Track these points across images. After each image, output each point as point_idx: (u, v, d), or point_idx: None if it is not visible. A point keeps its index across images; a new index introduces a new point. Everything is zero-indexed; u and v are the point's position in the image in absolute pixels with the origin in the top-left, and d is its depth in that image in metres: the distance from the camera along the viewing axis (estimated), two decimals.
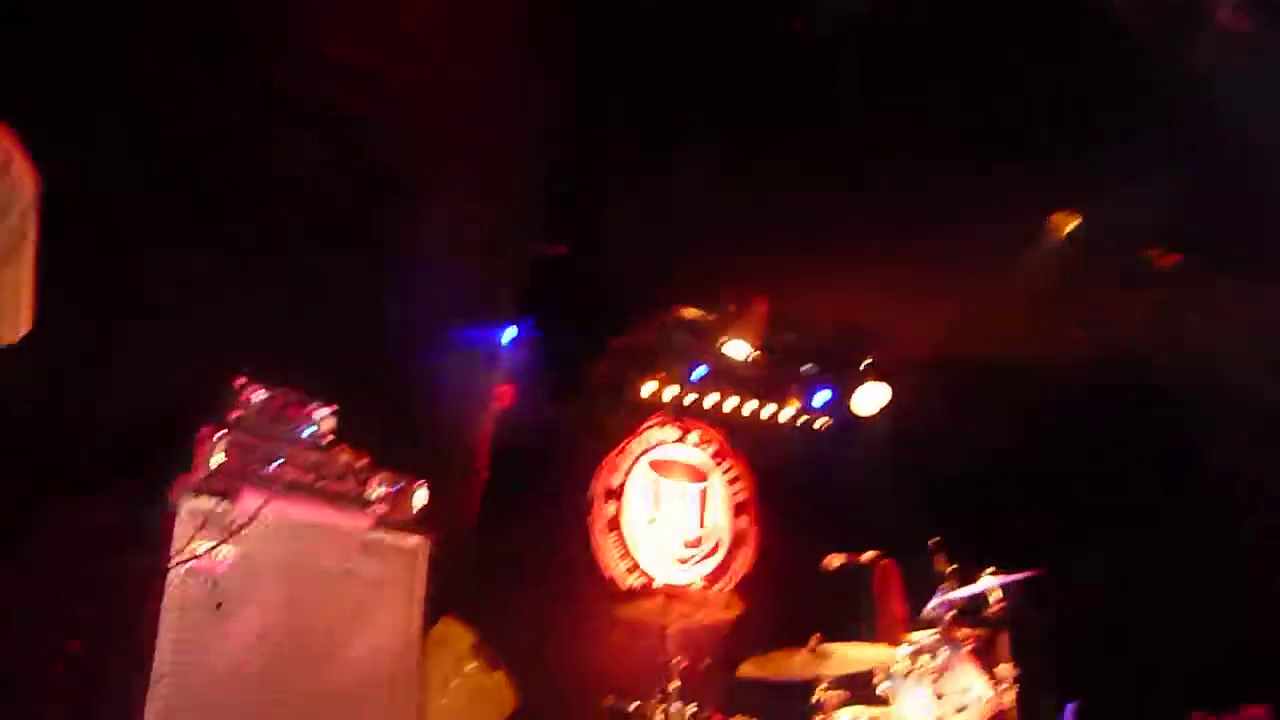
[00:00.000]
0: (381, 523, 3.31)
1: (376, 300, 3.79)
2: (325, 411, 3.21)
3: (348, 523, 3.20)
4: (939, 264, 5.31)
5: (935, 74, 3.78)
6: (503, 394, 5.46)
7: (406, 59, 3.29)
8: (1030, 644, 5.25)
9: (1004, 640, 4.69)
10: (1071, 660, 5.86)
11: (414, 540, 3.41)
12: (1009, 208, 4.58)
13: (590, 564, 6.16)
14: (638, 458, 6.61)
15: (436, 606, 4.33)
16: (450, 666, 4.70)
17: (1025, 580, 4.84)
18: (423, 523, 3.46)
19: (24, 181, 1.22)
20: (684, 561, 6.59)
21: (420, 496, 3.45)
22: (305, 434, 3.14)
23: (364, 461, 3.33)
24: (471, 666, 4.78)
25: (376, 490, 3.30)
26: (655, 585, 6.20)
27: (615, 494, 6.44)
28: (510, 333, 5.49)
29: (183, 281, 3.19)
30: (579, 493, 6.27)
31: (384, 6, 3.31)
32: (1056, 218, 1.97)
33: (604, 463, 6.44)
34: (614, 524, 6.35)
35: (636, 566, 6.34)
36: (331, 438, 3.25)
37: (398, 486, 3.35)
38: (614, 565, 6.25)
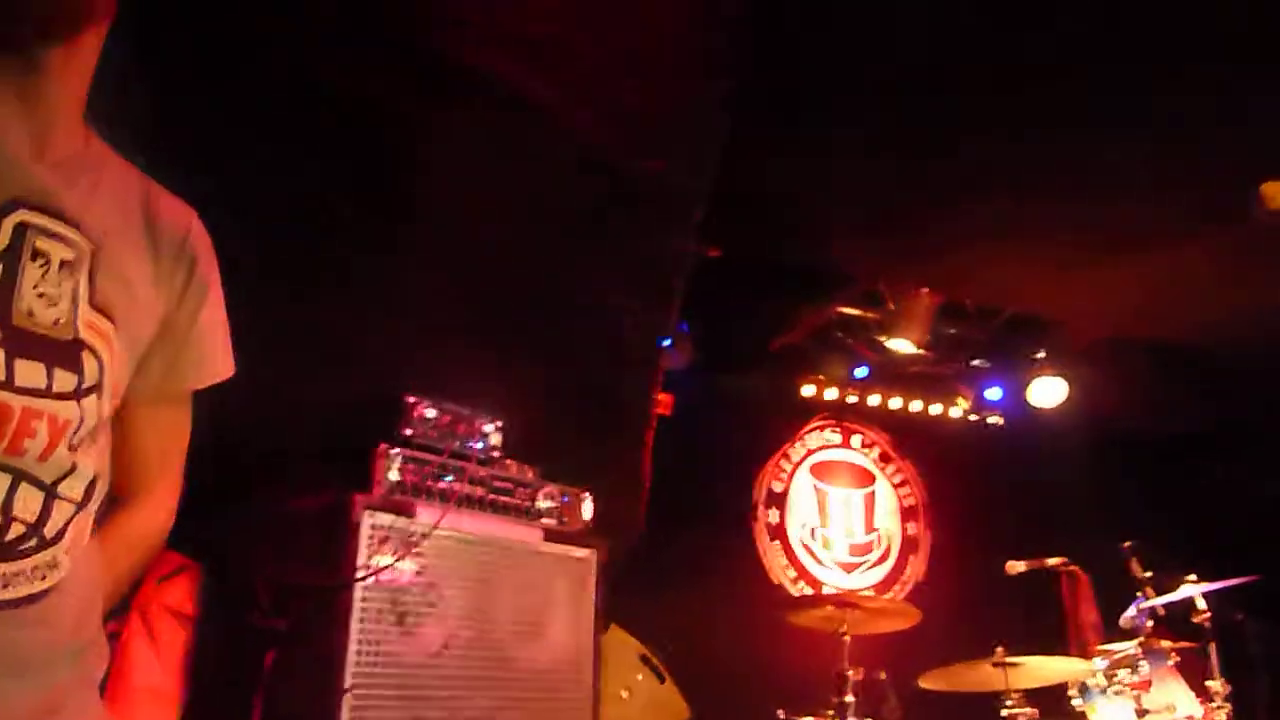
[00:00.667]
0: (552, 535, 3.34)
1: (545, 315, 3.84)
2: (493, 426, 3.27)
3: (519, 535, 3.25)
4: (1119, 241, 5.00)
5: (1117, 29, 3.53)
6: (663, 401, 5.48)
7: (569, 38, 3.27)
8: (1245, 658, 4.88)
9: (1214, 653, 4.35)
10: None
11: (584, 551, 3.43)
12: (1199, 178, 4.27)
13: (755, 572, 6.11)
14: (800, 462, 6.52)
15: (605, 616, 4.39)
16: (619, 676, 4.75)
17: (1238, 587, 4.49)
18: (592, 533, 3.47)
19: (202, 236, 1.34)
20: (852, 569, 6.45)
21: (588, 507, 3.47)
22: (475, 448, 3.20)
23: (532, 474, 3.37)
24: (641, 676, 4.82)
25: (545, 502, 3.34)
26: (823, 593, 6.09)
27: (778, 500, 6.36)
28: (668, 337, 5.47)
29: (353, 298, 3.30)
30: (742, 499, 6.22)
31: None
32: (1269, 188, 1.77)
33: (765, 468, 6.37)
34: (778, 531, 6.28)
35: (802, 573, 6.24)
36: (500, 451, 3.30)
37: (566, 498, 3.38)
38: (779, 573, 6.17)
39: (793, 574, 6.20)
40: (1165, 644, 4.43)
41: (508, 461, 3.31)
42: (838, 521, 6.52)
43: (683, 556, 5.53)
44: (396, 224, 3.27)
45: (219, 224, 1.35)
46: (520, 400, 3.40)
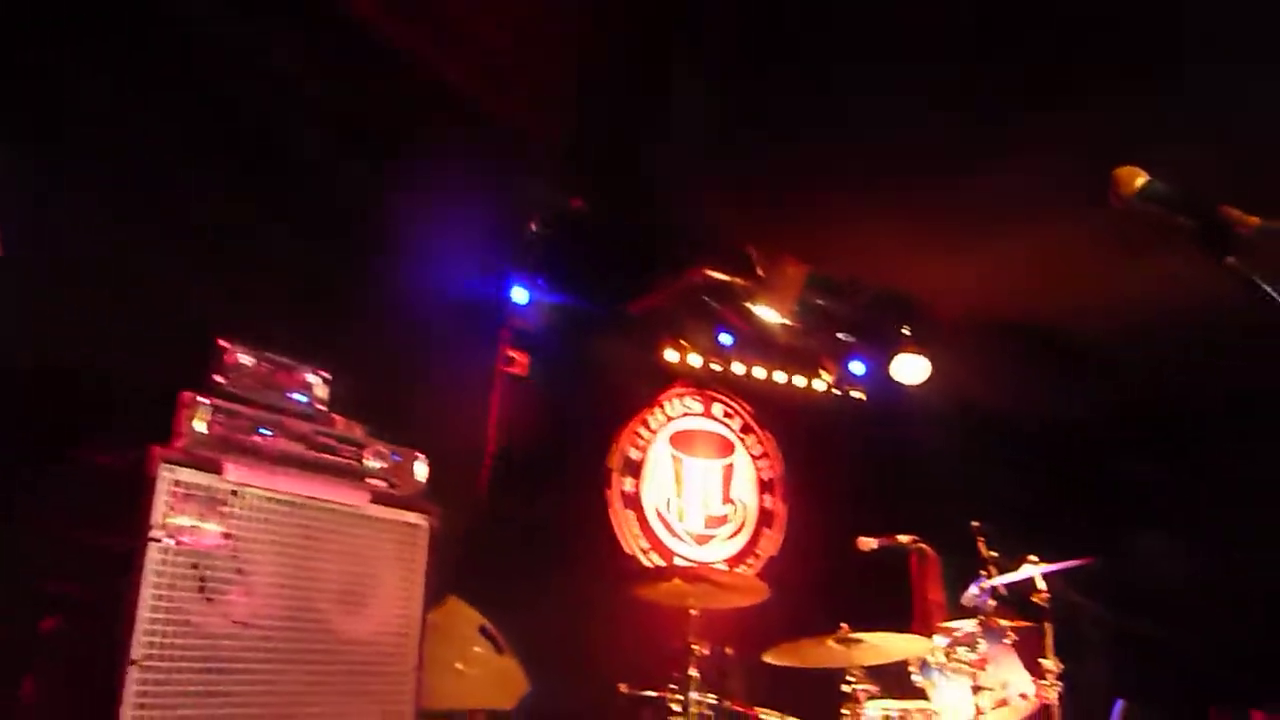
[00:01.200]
0: (380, 498, 3.24)
1: (376, 257, 3.70)
2: (318, 378, 3.13)
3: (343, 497, 3.13)
4: (987, 221, 5.17)
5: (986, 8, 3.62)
6: (513, 360, 5.40)
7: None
8: (1078, 637, 5.19)
9: (1049, 632, 4.61)
10: (1123, 655, 5.79)
11: (415, 516, 3.35)
12: (1064, 157, 4.43)
13: (607, 542, 6.11)
14: (658, 430, 6.55)
15: (441, 586, 4.32)
16: (456, 649, 4.70)
17: (1074, 569, 4.76)
18: (425, 498, 3.39)
19: None
20: (706, 541, 6.54)
21: (421, 469, 3.37)
22: (297, 401, 3.06)
23: (360, 431, 3.25)
24: (478, 649, 4.77)
25: (374, 462, 3.23)
26: (675, 565, 6.16)
27: (634, 468, 6.37)
28: (522, 294, 5.42)
29: (163, 235, 3.10)
30: (597, 466, 6.20)
31: None
32: (1121, 172, 1.84)
33: (622, 435, 6.37)
34: (632, 500, 6.30)
35: (656, 545, 6.29)
36: (325, 406, 3.16)
37: (397, 458, 3.27)
38: (632, 543, 6.20)
39: (645, 544, 6.25)
40: (1003, 623, 4.67)
41: (333, 417, 3.18)
42: (694, 492, 6.59)
43: (532, 525, 5.48)
44: (213, 153, 3.08)
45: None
46: (351, 352, 3.27)
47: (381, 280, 3.80)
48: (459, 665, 4.65)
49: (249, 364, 2.94)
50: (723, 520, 6.66)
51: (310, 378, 3.10)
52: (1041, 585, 4.72)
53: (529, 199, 4.33)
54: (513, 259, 4.83)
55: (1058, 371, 6.68)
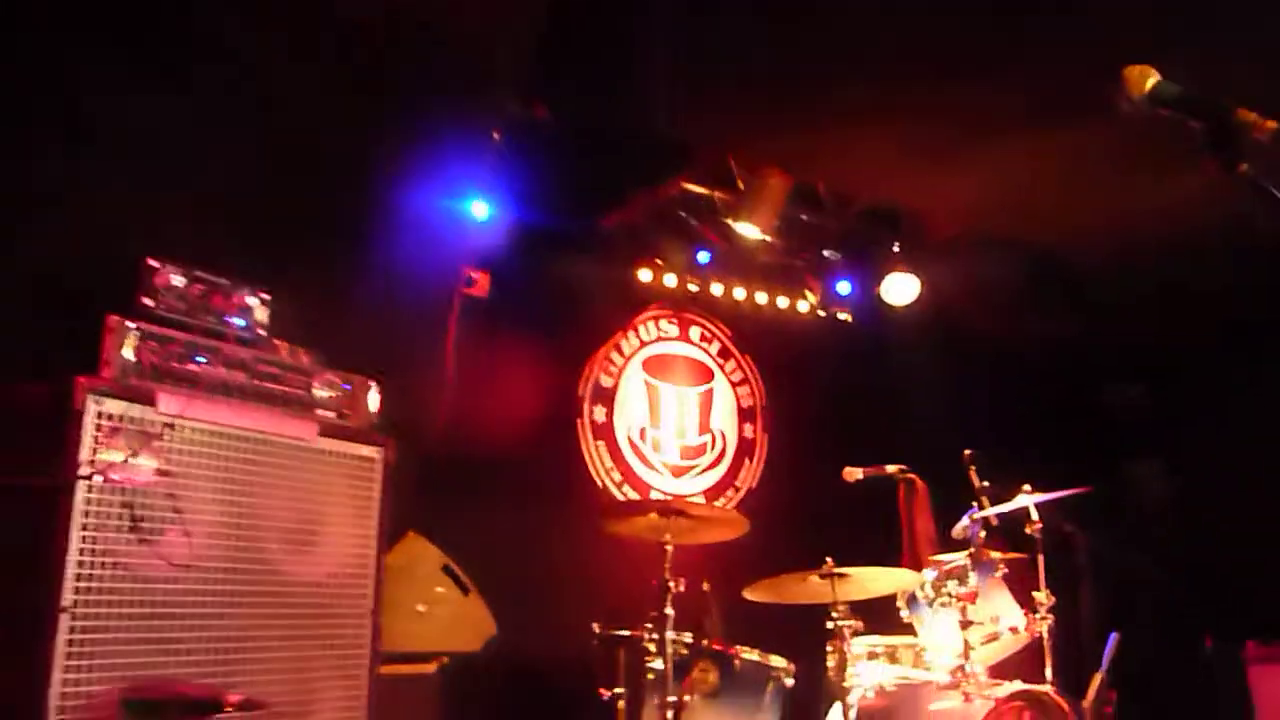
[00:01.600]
0: (330, 429, 3.18)
1: (321, 170, 3.59)
2: (258, 299, 3.05)
3: (289, 429, 3.08)
4: (984, 131, 5.10)
5: None
6: (474, 280, 5.32)
7: None
8: (1071, 569, 5.27)
9: (1041, 564, 4.67)
10: (1117, 587, 5.89)
11: (369, 449, 3.31)
12: (1067, 63, 4.36)
13: (577, 474, 6.11)
14: (631, 355, 6.51)
15: (400, 523, 4.30)
16: (418, 589, 4.72)
17: (1068, 498, 4.81)
18: (379, 429, 3.34)
19: None
20: (683, 473, 6.56)
21: (374, 398, 3.32)
22: (236, 325, 2.98)
23: (307, 358, 3.18)
24: (442, 589, 4.78)
25: (323, 391, 3.17)
26: (650, 498, 6.17)
27: (606, 396, 6.35)
28: (483, 208, 5.31)
29: (86, 138, 2.98)
30: (565, 394, 6.17)
31: None
32: (1131, 71, 1.78)
33: (592, 360, 6.33)
34: (604, 430, 6.29)
35: (629, 477, 6.30)
36: (267, 330, 3.09)
37: (347, 387, 3.22)
38: (603, 476, 6.21)
39: (618, 477, 6.25)
40: (995, 555, 4.71)
41: (276, 342, 3.12)
42: (670, 421, 6.59)
43: (495, 456, 5.46)
44: (133, 50, 2.94)
45: None
46: (295, 272, 3.19)
47: (328, 195, 3.70)
48: (420, 607, 4.68)
49: (181, 285, 2.85)
50: (700, 450, 6.67)
51: (250, 300, 3.02)
52: (1035, 516, 4.76)
53: (490, 106, 4.20)
54: (473, 171, 4.72)
55: (1054, 294, 6.69)
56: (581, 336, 6.29)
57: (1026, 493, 4.79)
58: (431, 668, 4.40)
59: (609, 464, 6.26)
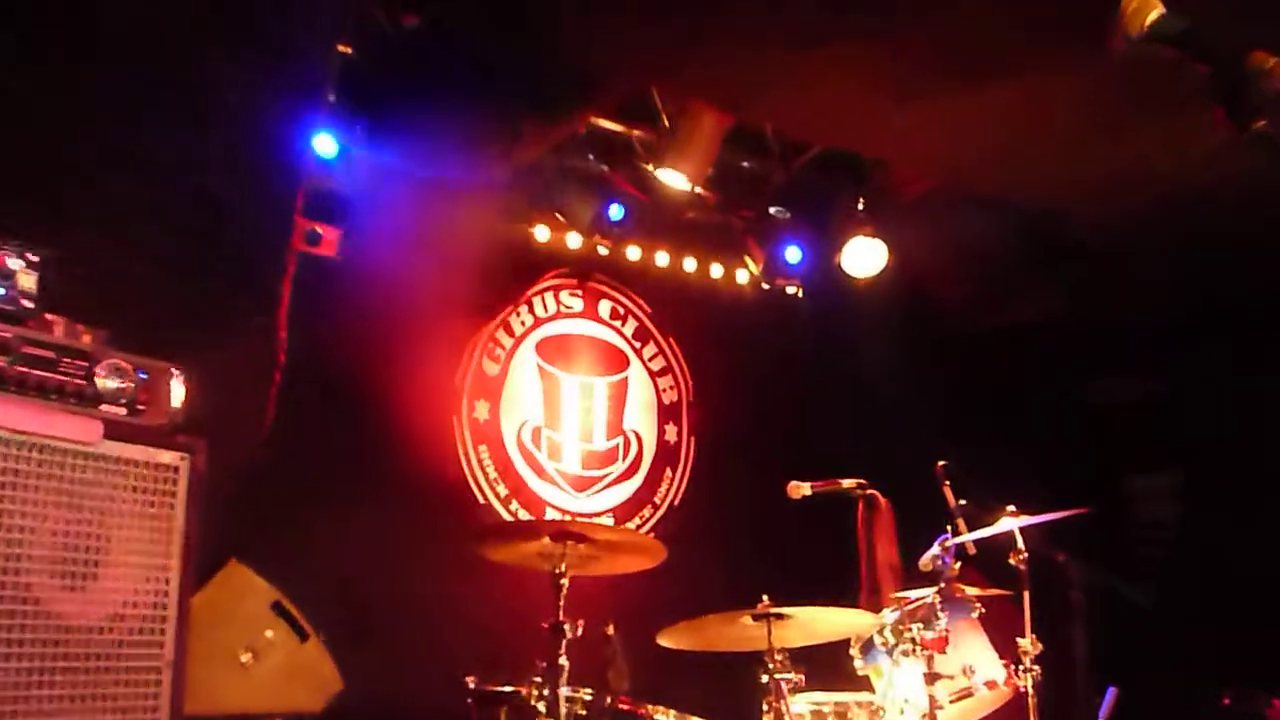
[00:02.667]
0: (119, 429, 3.12)
1: (113, 93, 3.51)
2: (22, 262, 2.98)
3: (64, 430, 3.01)
4: (965, 66, 5.17)
5: None
6: (318, 237, 5.25)
7: None
8: (1063, 609, 5.40)
9: (1027, 604, 4.77)
10: (1118, 632, 6.05)
11: (170, 455, 3.24)
12: None
13: (453, 487, 6.10)
14: (523, 336, 6.50)
15: (218, 549, 4.24)
16: (241, 632, 4.67)
17: (1061, 521, 4.91)
18: (185, 428, 3.28)
19: None
20: (587, 486, 6.58)
21: (178, 390, 3.26)
22: None
23: (90, 339, 3.12)
24: (272, 633, 4.74)
25: (110, 381, 3.10)
26: (544, 518, 6.18)
27: (490, 388, 6.34)
28: (329, 144, 5.25)
29: None
30: (437, 385, 6.14)
31: None
32: (1129, 4, 1.82)
33: (474, 342, 6.30)
34: (487, 430, 6.27)
35: (519, 491, 6.30)
36: (35, 302, 3.02)
37: (143, 375, 3.15)
38: (486, 489, 6.19)
39: (504, 490, 6.24)
40: (971, 591, 4.80)
41: (49, 318, 3.04)
42: (571, 420, 6.58)
43: (346, 464, 5.43)
44: None
45: None
46: (77, 229, 3.12)
47: (123, 126, 3.61)
48: (244, 656, 4.63)
49: None
50: (610, 458, 6.68)
51: (11, 262, 2.94)
52: (1020, 544, 4.86)
53: (340, 5, 4.14)
54: (315, 95, 4.65)
55: (1049, 267, 6.82)
56: (461, 311, 6.26)
57: (1011, 515, 4.88)
58: None
59: (494, 474, 6.24)
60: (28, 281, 2.99)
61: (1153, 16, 1.92)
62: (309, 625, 4.83)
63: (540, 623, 4.28)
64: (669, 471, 6.86)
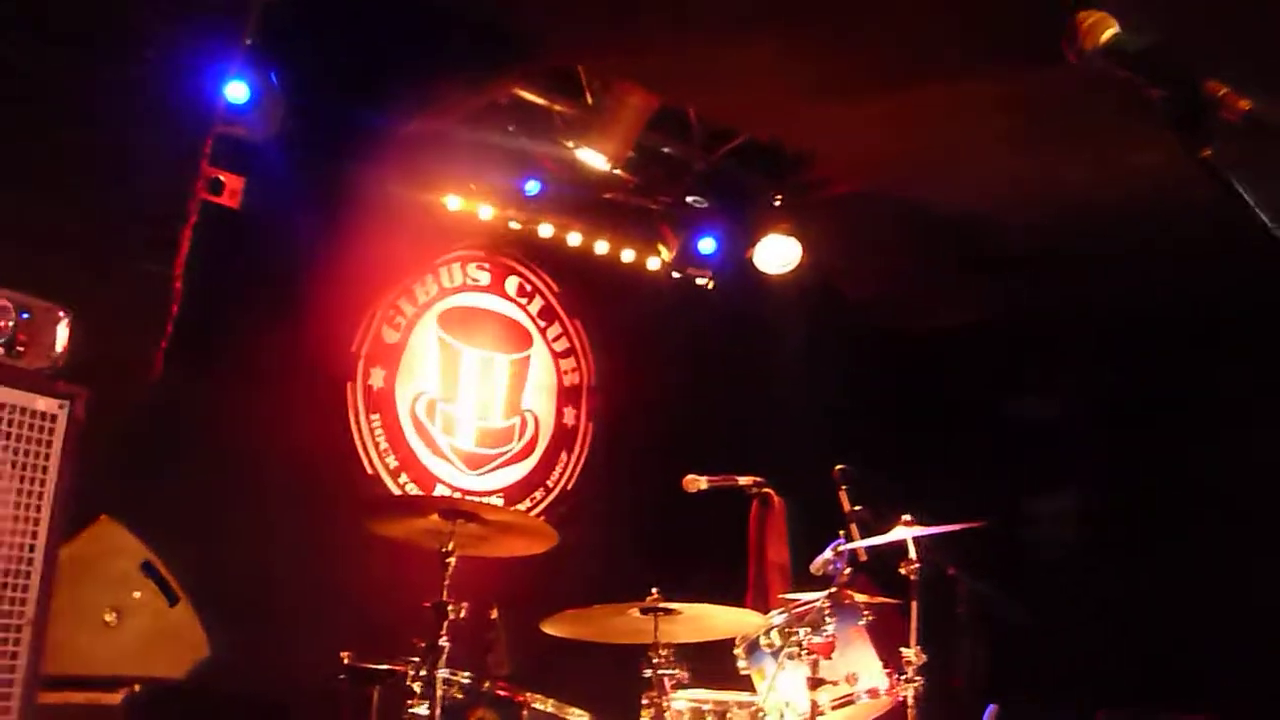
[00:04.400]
0: None
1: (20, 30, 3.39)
2: None
3: None
4: (899, 67, 5.20)
5: None
6: (221, 185, 5.13)
7: None
8: (949, 621, 5.48)
9: (914, 614, 4.83)
10: (1002, 647, 6.16)
11: (47, 401, 3.13)
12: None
13: (342, 456, 6.01)
14: (427, 305, 6.43)
15: (89, 504, 4.11)
16: (108, 591, 4.56)
17: (955, 534, 4.98)
18: (65, 375, 3.17)
19: None
20: (480, 464, 6.53)
21: (63, 333, 3.15)
22: None
23: None
24: (140, 594, 4.62)
25: None
26: (434, 494, 6.13)
27: (388, 355, 6.26)
28: (241, 91, 5.12)
29: None
30: (334, 349, 6.04)
31: None
32: (1086, 17, 1.82)
33: (375, 308, 6.21)
34: (382, 399, 6.20)
35: (409, 465, 6.23)
36: None
37: (25, 315, 3.04)
38: (376, 460, 6.12)
39: (394, 463, 6.17)
40: (860, 598, 4.85)
41: None
42: (469, 394, 6.52)
43: (231, 424, 5.32)
44: None
45: None
46: None
47: (25, 58, 3.49)
48: (109, 616, 4.52)
49: None
50: (506, 436, 6.64)
51: None
52: (912, 553, 4.91)
53: None
54: (231, 38, 4.53)
55: (966, 275, 6.91)
56: (363, 276, 6.16)
57: (905, 524, 4.93)
58: (116, 698, 4.25)
59: (384, 445, 6.16)
60: None
61: (1108, 35, 1.92)
62: (178, 588, 4.72)
63: (422, 602, 4.23)
64: (564, 455, 6.84)
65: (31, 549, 3.13)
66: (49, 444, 3.17)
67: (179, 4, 3.60)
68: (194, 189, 3.89)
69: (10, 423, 3.07)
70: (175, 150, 3.82)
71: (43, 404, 3.14)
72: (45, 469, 3.17)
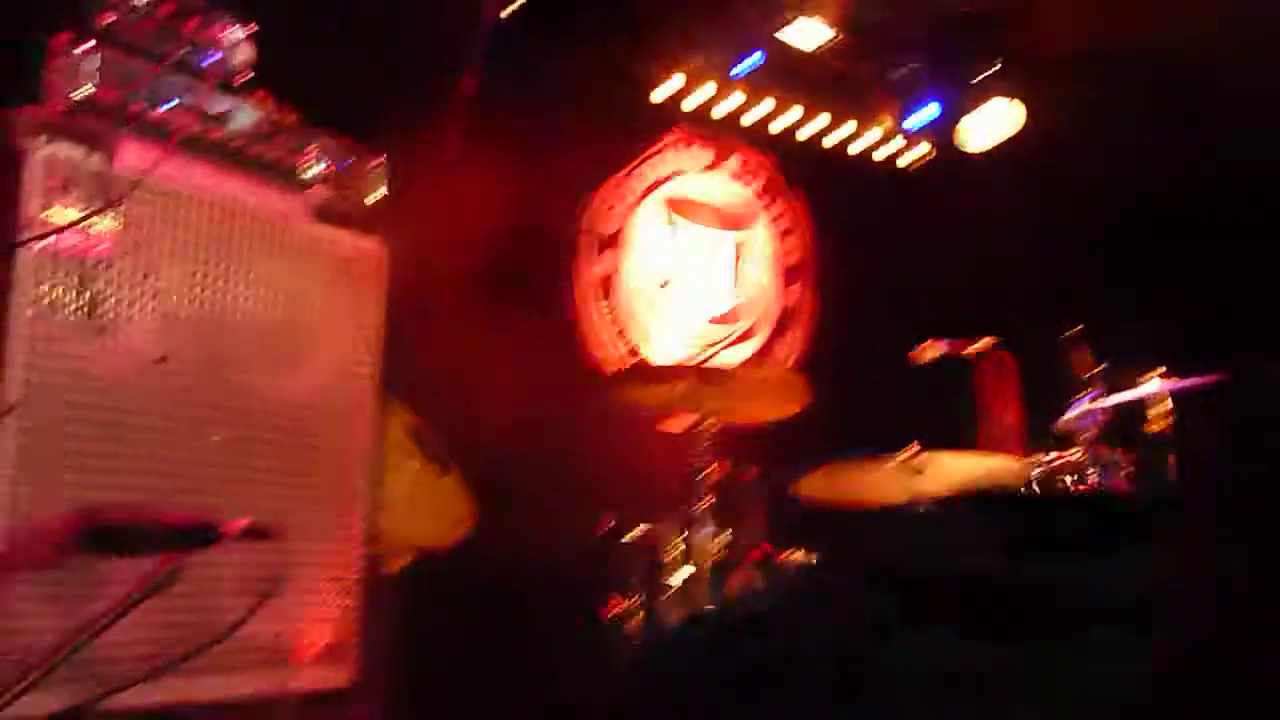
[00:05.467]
0: (324, 211, 3.16)
1: None
2: (241, 32, 2.99)
3: (272, 206, 3.05)
4: None
5: None
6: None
7: None
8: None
9: (1170, 465, 4.78)
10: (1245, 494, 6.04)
11: (369, 241, 3.28)
12: None
13: (571, 334, 6.08)
14: (647, 191, 6.46)
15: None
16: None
17: (1200, 388, 4.90)
18: (383, 218, 3.32)
19: None
20: (711, 343, 6.58)
21: (380, 181, 3.29)
22: (209, 63, 2.92)
23: (296, 119, 3.14)
24: (409, 459, 4.75)
25: (316, 164, 3.13)
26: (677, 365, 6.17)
27: (611, 242, 6.30)
28: None
29: None
30: (560, 235, 6.12)
31: None
32: None
33: (596, 196, 6.26)
34: (608, 285, 6.24)
35: (644, 343, 6.29)
36: (250, 75, 3.04)
37: (351, 161, 3.18)
38: (606, 343, 6.18)
39: (625, 347, 6.22)
40: (1114, 455, 4.81)
41: (261, 94, 3.06)
42: (695, 274, 6.58)
43: (471, 304, 5.40)
44: None
45: None
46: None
47: None
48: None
49: (144, 1, 2.78)
50: (732, 317, 6.68)
51: (233, 33, 2.95)
52: (1169, 406, 4.85)
53: None
54: None
55: (1191, 132, 6.68)
56: (581, 162, 6.18)
57: (1159, 378, 4.87)
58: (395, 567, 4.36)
59: (613, 329, 6.23)
60: (244, 55, 3.00)
61: None
62: (445, 454, 4.82)
63: (679, 466, 4.33)
64: (790, 331, 6.87)
65: (364, 380, 3.29)
66: (369, 281, 3.31)
67: None
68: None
69: (340, 259, 3.22)
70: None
71: (366, 243, 3.28)
72: (366, 305, 3.31)
